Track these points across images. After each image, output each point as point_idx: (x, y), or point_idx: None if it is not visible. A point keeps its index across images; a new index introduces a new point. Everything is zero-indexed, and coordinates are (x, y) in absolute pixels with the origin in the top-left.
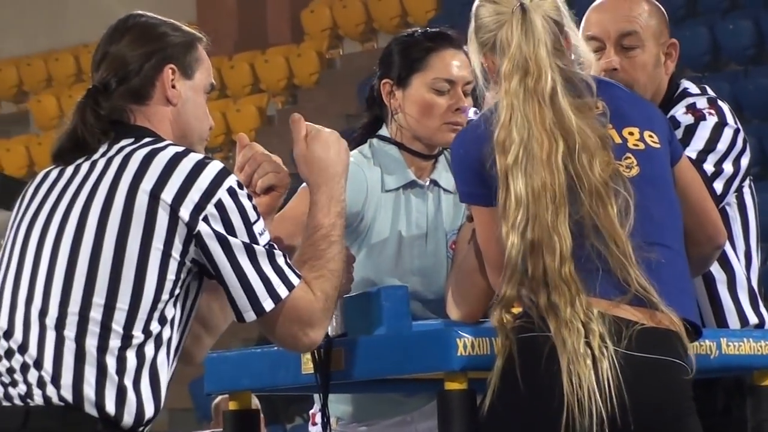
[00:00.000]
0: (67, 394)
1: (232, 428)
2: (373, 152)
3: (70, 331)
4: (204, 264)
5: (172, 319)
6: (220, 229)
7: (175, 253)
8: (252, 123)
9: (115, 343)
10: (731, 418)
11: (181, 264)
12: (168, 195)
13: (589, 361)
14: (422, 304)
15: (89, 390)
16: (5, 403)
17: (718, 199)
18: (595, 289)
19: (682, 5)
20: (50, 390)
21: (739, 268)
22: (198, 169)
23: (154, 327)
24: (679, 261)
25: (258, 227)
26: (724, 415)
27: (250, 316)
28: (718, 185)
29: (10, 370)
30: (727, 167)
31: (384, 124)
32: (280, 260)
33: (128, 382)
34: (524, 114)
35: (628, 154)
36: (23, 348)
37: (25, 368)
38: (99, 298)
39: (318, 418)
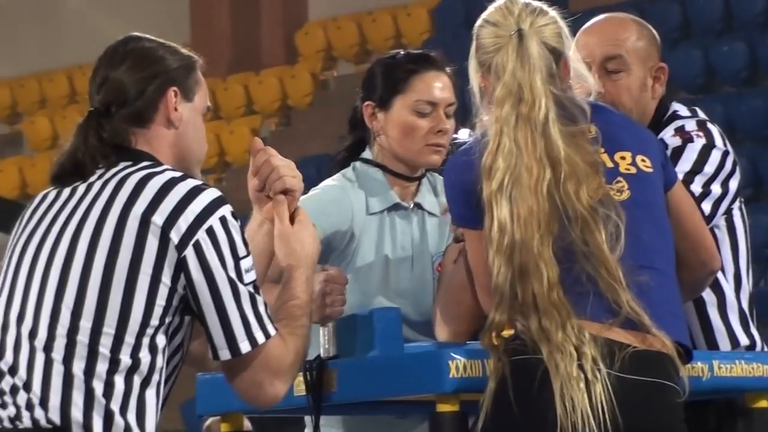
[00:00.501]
0: (55, 416)
1: None
2: (357, 175)
3: (57, 354)
4: (186, 293)
5: (164, 348)
6: (208, 258)
7: (165, 278)
8: (245, 144)
9: (102, 367)
10: None
11: (172, 290)
12: (159, 218)
13: (582, 385)
14: (410, 327)
15: (77, 413)
16: None
17: (707, 220)
18: (585, 312)
19: (676, 27)
20: (38, 412)
21: (729, 290)
22: (193, 194)
23: (144, 355)
24: (669, 284)
25: (245, 263)
26: None
27: (224, 354)
28: (706, 206)
29: (1, 392)
30: (715, 188)
31: (368, 147)
32: (261, 307)
33: (115, 407)
34: (515, 140)
35: (620, 178)
36: (13, 370)
37: (14, 390)
38: (86, 322)
39: None
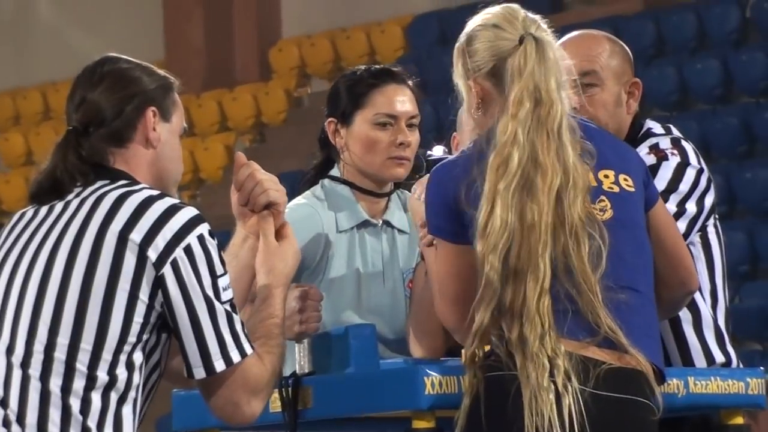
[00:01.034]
0: None
1: None
2: (326, 193)
3: (35, 370)
4: (163, 311)
5: (141, 366)
6: (185, 275)
7: (143, 295)
8: (220, 161)
9: (79, 383)
10: None
11: (149, 308)
12: (137, 235)
13: (551, 396)
14: (384, 344)
15: (54, 429)
16: None
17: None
18: (563, 330)
19: (650, 45)
20: (15, 429)
21: (704, 307)
22: (171, 212)
23: (120, 371)
24: (647, 306)
25: (223, 281)
26: None
27: (199, 372)
28: (681, 225)
29: None
30: (690, 207)
31: (336, 164)
32: (238, 326)
33: (92, 423)
34: (530, 142)
35: (603, 197)
36: None
37: None
38: (63, 338)
39: None
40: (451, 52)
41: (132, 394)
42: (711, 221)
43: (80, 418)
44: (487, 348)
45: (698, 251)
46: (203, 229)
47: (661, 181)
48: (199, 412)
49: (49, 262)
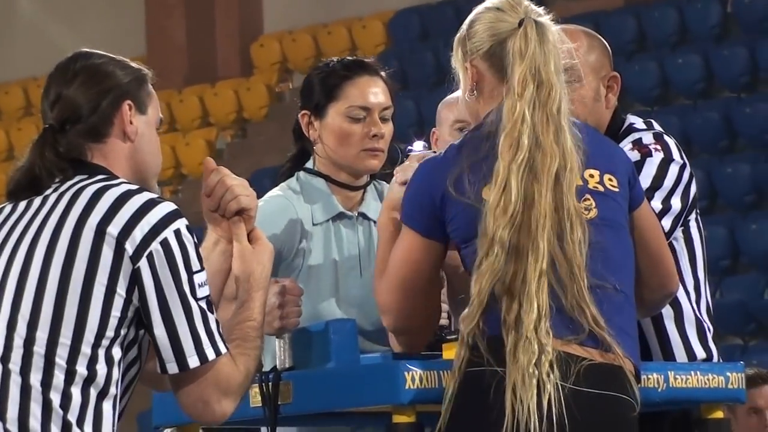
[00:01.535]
0: (13, 427)
1: None
2: (301, 185)
3: (15, 365)
4: (140, 305)
5: (119, 361)
6: (160, 270)
7: (120, 289)
8: (201, 157)
9: (59, 378)
10: None
11: (127, 302)
12: (114, 228)
13: (534, 381)
14: (362, 336)
15: (35, 424)
16: None
17: (666, 235)
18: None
19: (631, 40)
20: None
21: (686, 302)
22: (148, 206)
23: (100, 367)
24: (627, 305)
25: (199, 278)
26: None
27: (172, 367)
28: (666, 222)
29: None
30: (675, 203)
31: (311, 157)
32: (213, 324)
33: (72, 418)
34: (533, 123)
35: (588, 196)
36: None
37: None
38: (42, 332)
39: None
40: (432, 48)
41: (112, 389)
42: (693, 216)
43: (61, 412)
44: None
45: (681, 246)
46: (181, 224)
47: (645, 179)
48: (180, 408)
49: (28, 256)
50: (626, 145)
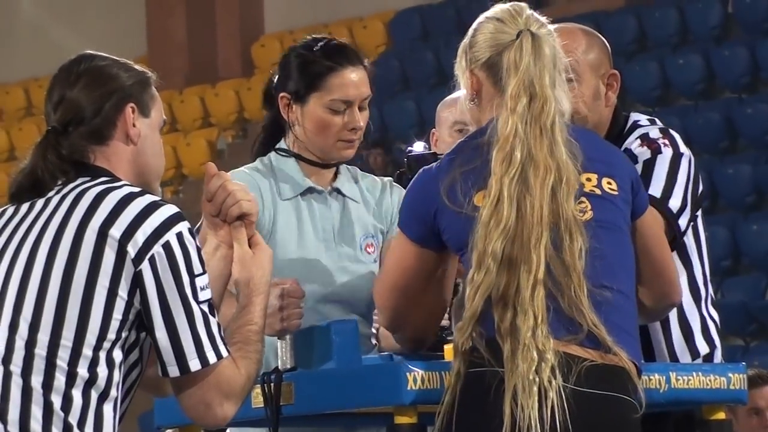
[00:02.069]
0: (14, 429)
1: None
2: (271, 164)
3: (16, 367)
4: (141, 308)
5: (120, 363)
6: (162, 272)
7: (122, 292)
8: (202, 157)
9: (60, 380)
10: None
11: (128, 304)
12: (116, 231)
13: (535, 389)
14: (340, 305)
15: (36, 426)
16: None
17: (681, 235)
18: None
19: (632, 40)
20: None
21: (688, 297)
22: (151, 208)
23: (101, 369)
24: (628, 305)
25: (201, 281)
26: None
27: (173, 370)
28: (683, 222)
29: None
30: (687, 199)
31: (284, 136)
32: (214, 327)
33: (73, 420)
34: (526, 137)
35: (583, 199)
36: None
37: None
38: (44, 335)
39: None
40: (432, 48)
41: (113, 392)
42: (699, 211)
43: (62, 414)
44: (469, 344)
45: (691, 241)
46: (183, 227)
47: (659, 179)
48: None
49: (30, 258)
50: (633, 140)
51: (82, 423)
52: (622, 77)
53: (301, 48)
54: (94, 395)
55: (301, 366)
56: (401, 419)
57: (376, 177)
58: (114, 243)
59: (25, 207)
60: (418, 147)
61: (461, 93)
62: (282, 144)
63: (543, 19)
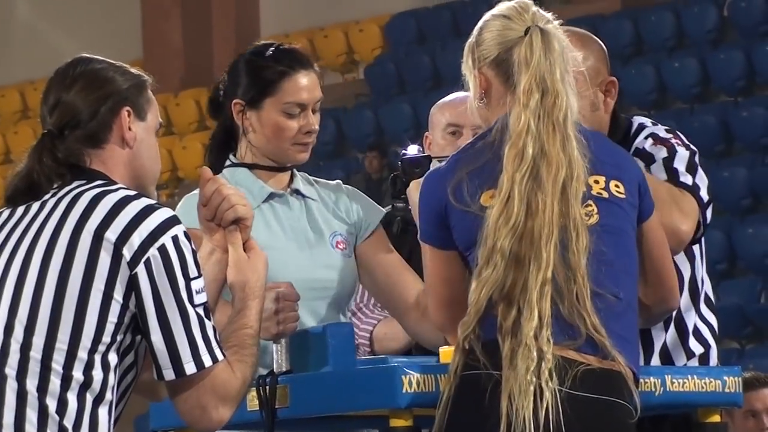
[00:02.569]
0: None
1: None
2: (227, 178)
3: (11, 369)
4: (136, 311)
5: (115, 367)
6: (158, 276)
7: (117, 295)
8: (198, 160)
9: (55, 384)
10: None
11: (123, 307)
12: (112, 234)
13: (531, 389)
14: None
15: (31, 429)
16: None
17: (706, 226)
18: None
19: (628, 44)
20: None
21: (686, 296)
22: (146, 211)
23: (96, 372)
24: (629, 312)
25: (196, 284)
26: None
27: (169, 374)
28: (709, 214)
29: None
30: (709, 195)
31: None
32: (210, 331)
33: (68, 424)
34: (539, 133)
35: (590, 202)
36: None
37: None
38: (39, 338)
39: None
40: (428, 51)
41: (108, 395)
42: None
43: (57, 418)
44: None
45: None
46: (178, 230)
47: (685, 172)
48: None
49: (26, 261)
50: (645, 141)
51: (77, 426)
52: (618, 81)
53: (252, 54)
54: (89, 398)
55: (297, 369)
56: (396, 422)
57: (327, 180)
58: (109, 246)
59: (20, 210)
60: (412, 150)
61: (455, 96)
62: (232, 156)
63: (549, 16)
